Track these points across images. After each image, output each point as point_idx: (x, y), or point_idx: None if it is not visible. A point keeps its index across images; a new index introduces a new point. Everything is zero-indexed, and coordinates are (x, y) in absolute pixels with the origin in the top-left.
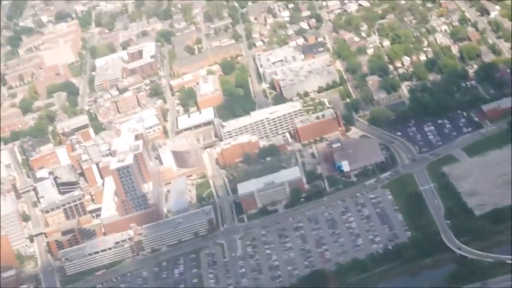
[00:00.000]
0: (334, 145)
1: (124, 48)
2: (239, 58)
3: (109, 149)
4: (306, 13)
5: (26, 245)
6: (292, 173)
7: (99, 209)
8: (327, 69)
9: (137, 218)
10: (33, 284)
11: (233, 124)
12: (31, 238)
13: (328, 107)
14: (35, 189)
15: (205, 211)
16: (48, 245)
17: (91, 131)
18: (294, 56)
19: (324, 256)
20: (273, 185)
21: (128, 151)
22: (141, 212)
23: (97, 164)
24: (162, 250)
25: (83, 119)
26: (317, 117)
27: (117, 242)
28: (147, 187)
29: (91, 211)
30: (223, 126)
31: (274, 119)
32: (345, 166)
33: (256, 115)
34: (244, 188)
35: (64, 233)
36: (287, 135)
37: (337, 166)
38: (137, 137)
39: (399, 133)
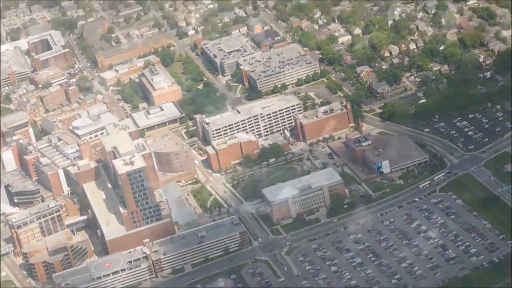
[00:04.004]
0: (364, 143)
1: (13, 39)
2: (171, 48)
3: (77, 151)
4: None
5: None
6: (329, 176)
7: (75, 224)
8: (305, 59)
9: (149, 232)
10: None
11: (218, 121)
12: None
13: (328, 102)
14: None
15: (232, 221)
16: (28, 267)
17: (30, 130)
18: (252, 45)
19: (413, 272)
20: (311, 190)
21: (133, 151)
22: (153, 224)
23: (64, 169)
24: (186, 270)
25: (21, 116)
26: (325, 112)
27: (130, 262)
28: (158, 195)
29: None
30: (207, 123)
31: (269, 114)
32: (386, 167)
33: (245, 111)
34: (272, 194)
35: (53, 252)
36: (286, 133)
37: (376, 167)
38: (131, 136)
39: (427, 129)
